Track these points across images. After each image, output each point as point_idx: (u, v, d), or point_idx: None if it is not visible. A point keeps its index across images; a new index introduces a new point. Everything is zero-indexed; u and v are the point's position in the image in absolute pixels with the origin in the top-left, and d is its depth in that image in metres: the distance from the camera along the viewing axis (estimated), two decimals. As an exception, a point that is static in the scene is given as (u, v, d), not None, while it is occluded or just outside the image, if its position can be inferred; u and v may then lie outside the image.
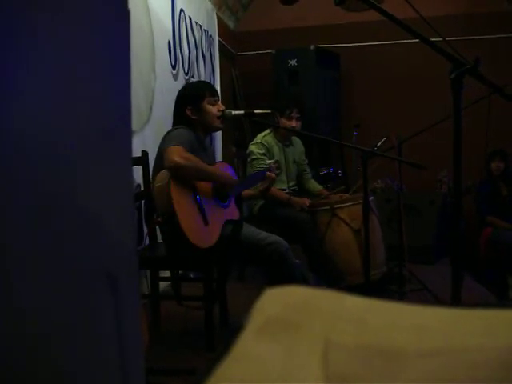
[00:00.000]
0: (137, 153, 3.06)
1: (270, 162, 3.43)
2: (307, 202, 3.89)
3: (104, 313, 0.80)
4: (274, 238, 2.93)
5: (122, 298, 0.82)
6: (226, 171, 3.04)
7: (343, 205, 3.74)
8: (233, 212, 3.04)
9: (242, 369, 0.37)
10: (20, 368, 0.66)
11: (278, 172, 3.34)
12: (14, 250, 0.64)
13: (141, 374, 0.92)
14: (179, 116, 2.98)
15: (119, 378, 0.83)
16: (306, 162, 4.35)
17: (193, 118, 2.93)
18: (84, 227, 0.75)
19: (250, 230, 2.99)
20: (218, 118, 2.97)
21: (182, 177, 2.65)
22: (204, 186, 2.80)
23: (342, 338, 0.38)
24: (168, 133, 2.87)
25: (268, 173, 3.20)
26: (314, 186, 4.30)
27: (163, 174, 2.65)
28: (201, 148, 2.94)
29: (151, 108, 3.77)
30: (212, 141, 5.35)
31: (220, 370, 0.38)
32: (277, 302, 0.41)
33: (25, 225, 0.65)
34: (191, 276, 4.02)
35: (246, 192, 3.59)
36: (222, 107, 3.00)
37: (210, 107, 2.94)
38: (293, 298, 0.41)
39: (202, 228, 2.72)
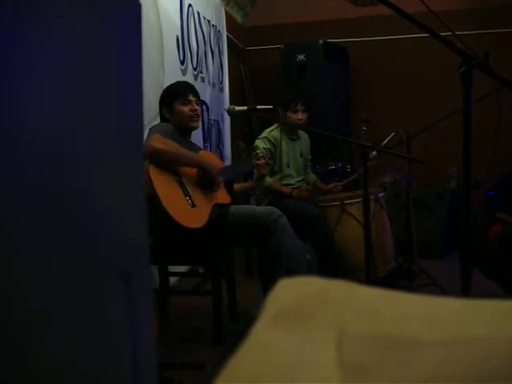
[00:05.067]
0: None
1: (258, 151, 3.48)
2: (308, 187, 3.95)
3: (116, 309, 0.80)
4: (265, 208, 3.02)
5: (134, 294, 0.83)
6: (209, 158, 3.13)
7: (353, 200, 3.74)
8: (223, 196, 3.10)
9: (257, 358, 0.38)
10: (31, 366, 0.66)
11: (270, 162, 3.39)
12: (27, 247, 0.65)
13: (153, 368, 0.93)
14: (160, 114, 3.14)
15: (132, 374, 0.83)
16: (310, 156, 4.38)
17: (166, 116, 3.06)
18: (96, 224, 0.76)
19: (243, 207, 3.06)
20: (189, 117, 3.05)
21: (161, 161, 2.72)
22: (188, 170, 2.87)
23: (356, 328, 0.38)
24: (150, 128, 2.97)
25: (254, 161, 3.23)
26: (311, 177, 4.34)
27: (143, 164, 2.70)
28: (183, 143, 2.99)
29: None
30: (220, 136, 5.36)
31: (234, 359, 0.38)
32: (291, 292, 0.42)
33: (37, 223, 0.66)
34: (200, 271, 4.03)
35: (242, 185, 3.61)
36: (195, 107, 3.07)
37: (180, 107, 3.04)
38: (306, 289, 0.42)
39: (189, 209, 2.76)
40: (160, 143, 2.72)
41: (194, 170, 2.90)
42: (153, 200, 2.61)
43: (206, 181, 2.94)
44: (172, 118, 3.04)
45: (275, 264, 2.94)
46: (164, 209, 2.61)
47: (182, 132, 3.06)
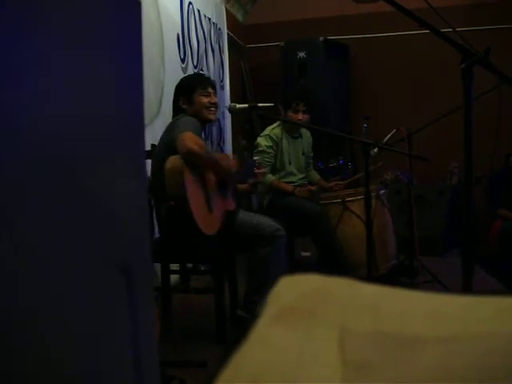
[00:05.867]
0: (146, 146, 3.07)
1: (256, 158, 3.48)
2: (311, 187, 3.95)
3: (118, 307, 0.80)
4: (272, 222, 3.00)
5: (136, 292, 0.83)
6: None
7: (355, 198, 3.74)
8: (230, 203, 3.09)
9: (258, 356, 0.38)
10: (31, 366, 0.66)
11: (266, 170, 3.39)
12: (28, 246, 0.65)
13: (155, 366, 0.93)
14: (175, 106, 3.09)
15: (133, 372, 0.83)
16: (312, 154, 4.37)
17: (183, 107, 3.02)
18: (98, 223, 0.76)
19: (248, 216, 3.05)
20: (207, 108, 3.02)
21: (195, 163, 2.69)
22: (210, 174, 2.84)
23: (358, 325, 0.38)
24: (175, 121, 2.94)
25: (256, 169, 3.24)
26: (313, 175, 4.33)
27: (176, 159, 2.68)
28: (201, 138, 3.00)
29: (161, 101, 3.78)
30: (221, 133, 5.36)
31: (236, 357, 0.38)
32: (292, 289, 0.42)
33: (38, 222, 0.66)
34: (202, 268, 4.03)
35: (240, 187, 3.62)
36: (214, 100, 3.06)
37: (200, 98, 3.01)
38: (308, 286, 0.42)
39: (208, 215, 2.77)
40: (197, 145, 2.68)
41: (214, 174, 2.89)
42: (181, 201, 2.61)
43: (222, 184, 2.94)
44: (190, 110, 3.01)
45: (255, 273, 2.98)
46: (190, 212, 2.61)
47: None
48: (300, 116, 3.98)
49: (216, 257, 2.93)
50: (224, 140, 5.45)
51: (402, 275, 3.95)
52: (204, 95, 3.02)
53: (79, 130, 0.71)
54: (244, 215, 3.03)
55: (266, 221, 2.99)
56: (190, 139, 2.67)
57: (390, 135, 3.88)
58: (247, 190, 3.75)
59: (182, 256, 3.07)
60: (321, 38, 5.72)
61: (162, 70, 3.91)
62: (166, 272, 3.11)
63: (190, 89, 3.03)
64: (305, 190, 3.96)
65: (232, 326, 3.05)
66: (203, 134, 3.65)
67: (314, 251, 4.03)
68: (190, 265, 4.00)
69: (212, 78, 5.06)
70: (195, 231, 2.66)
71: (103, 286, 0.78)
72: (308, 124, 4.04)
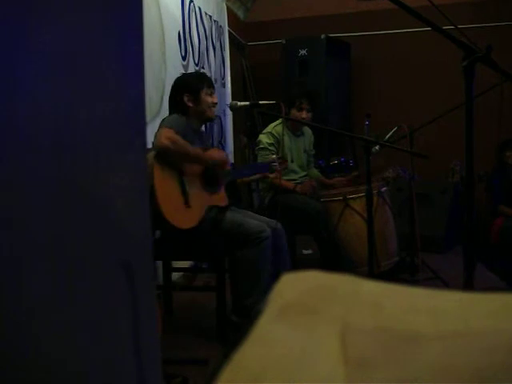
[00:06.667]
0: (147, 144, 3.07)
1: (274, 157, 3.48)
2: (313, 182, 3.94)
3: (120, 305, 0.80)
4: (257, 223, 2.98)
5: (138, 288, 0.83)
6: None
7: (356, 195, 3.73)
8: (220, 199, 3.08)
9: (260, 353, 0.38)
10: (34, 365, 0.66)
11: (283, 167, 3.39)
12: (30, 244, 0.65)
13: (157, 364, 0.93)
14: (175, 102, 3.08)
15: (136, 370, 0.83)
16: (313, 152, 4.36)
17: (188, 104, 3.03)
18: (99, 220, 0.76)
19: (235, 215, 3.04)
20: (210, 107, 3.07)
21: (168, 158, 2.74)
22: (193, 169, 2.87)
23: (360, 322, 0.38)
24: (162, 120, 2.97)
25: (275, 165, 3.26)
26: (314, 173, 4.32)
27: (149, 155, 2.71)
28: (194, 134, 3.03)
29: (162, 99, 3.78)
30: (223, 131, 5.36)
31: (238, 354, 0.38)
32: (294, 286, 0.42)
33: (40, 221, 0.66)
34: (203, 266, 4.04)
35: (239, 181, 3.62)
36: (216, 100, 3.12)
37: (206, 97, 3.04)
38: (310, 283, 0.42)
39: (183, 209, 2.77)
40: (169, 140, 2.71)
41: (198, 168, 2.90)
42: (150, 193, 2.63)
43: (210, 179, 2.94)
44: (195, 108, 3.03)
45: (242, 276, 2.97)
46: (158, 205, 2.62)
47: (197, 121, 3.09)
48: (304, 114, 3.97)
49: (216, 255, 2.92)
50: (225, 138, 5.45)
51: (403, 272, 3.96)
52: (209, 94, 3.06)
53: (80, 130, 0.71)
54: (231, 214, 3.01)
55: (250, 221, 2.96)
56: (163, 134, 2.73)
57: (391, 132, 3.88)
58: (247, 182, 3.77)
59: (176, 254, 3.06)
60: (322, 36, 5.71)
61: (163, 67, 3.91)
62: (168, 270, 3.11)
63: (197, 87, 3.04)
64: (306, 185, 3.95)
65: (234, 321, 3.05)
66: (205, 131, 3.67)
67: (315, 249, 4.03)
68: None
69: (213, 75, 5.07)
70: (167, 225, 2.67)
71: (104, 285, 0.78)
72: (309, 122, 4.03)
